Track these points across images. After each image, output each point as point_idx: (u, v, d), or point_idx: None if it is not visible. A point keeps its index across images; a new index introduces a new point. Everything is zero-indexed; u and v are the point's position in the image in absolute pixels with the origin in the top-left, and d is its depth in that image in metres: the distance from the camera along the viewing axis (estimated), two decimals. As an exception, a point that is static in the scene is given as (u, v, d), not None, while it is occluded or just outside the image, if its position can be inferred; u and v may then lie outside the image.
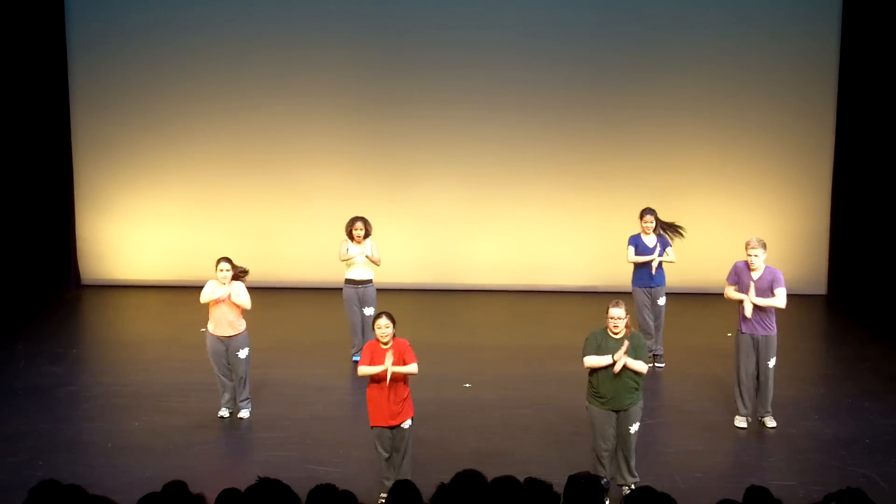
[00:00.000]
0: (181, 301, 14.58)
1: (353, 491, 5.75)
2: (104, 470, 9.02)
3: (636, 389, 8.58)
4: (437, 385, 11.34)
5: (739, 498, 5.83)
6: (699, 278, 14.98)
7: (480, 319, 14.34)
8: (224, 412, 10.38)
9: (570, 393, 10.75)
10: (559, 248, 15.48)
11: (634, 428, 8.64)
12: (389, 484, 8.38)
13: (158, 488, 5.71)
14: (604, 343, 8.57)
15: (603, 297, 14.40)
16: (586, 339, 8.67)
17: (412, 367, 8.51)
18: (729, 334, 13.00)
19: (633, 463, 8.73)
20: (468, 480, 5.62)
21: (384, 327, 8.45)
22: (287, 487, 5.59)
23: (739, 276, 10.10)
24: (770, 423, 10.21)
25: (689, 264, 14.46)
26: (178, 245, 15.44)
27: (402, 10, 15.06)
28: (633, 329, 8.73)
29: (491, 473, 5.85)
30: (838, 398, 11.19)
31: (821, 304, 15.14)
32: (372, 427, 8.61)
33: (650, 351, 11.81)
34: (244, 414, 10.41)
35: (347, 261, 11.81)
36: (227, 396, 10.39)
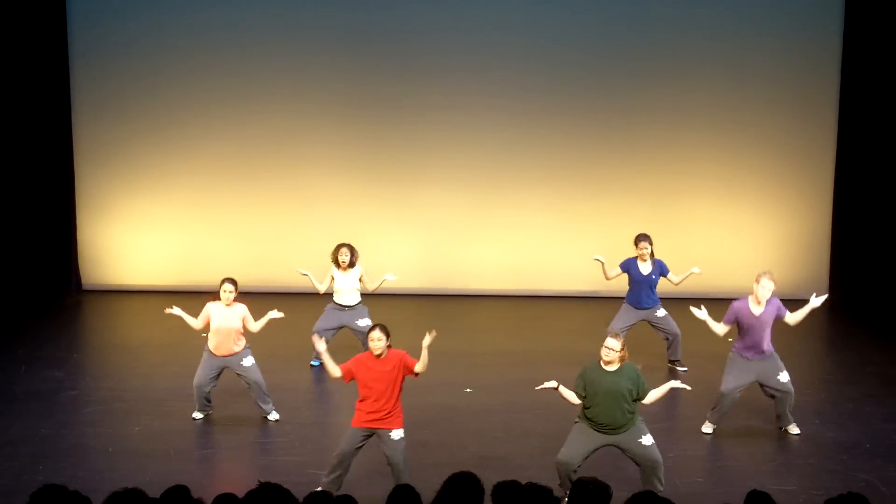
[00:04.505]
0: (182, 306, 14.49)
1: (353, 495, 5.74)
2: (105, 475, 9.01)
3: (631, 413, 8.40)
4: (437, 390, 11.34)
5: (740, 503, 5.83)
6: (700, 283, 14.89)
7: (481, 324, 14.34)
8: (198, 414, 10.37)
9: (570, 397, 10.74)
10: (560, 254, 15.49)
11: (646, 440, 8.41)
12: (326, 482, 8.39)
13: (159, 493, 5.71)
14: (594, 378, 8.38)
15: (604, 303, 14.49)
16: (578, 374, 8.52)
17: (420, 365, 8.47)
18: (730, 339, 13.01)
19: (662, 474, 8.49)
20: (461, 483, 5.63)
21: (377, 340, 8.38)
22: (287, 492, 5.59)
23: (739, 315, 9.90)
24: (794, 430, 10.18)
25: (689, 269, 14.45)
26: (179, 250, 15.45)
27: (403, 16, 15.07)
28: (627, 360, 8.52)
29: (492, 478, 5.85)
30: (839, 402, 11.20)
31: (822, 308, 14.97)
32: (350, 426, 8.60)
33: (670, 359, 12.07)
34: (273, 416, 10.41)
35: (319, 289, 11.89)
36: (200, 403, 10.38)
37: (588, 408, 8.44)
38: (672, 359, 12.09)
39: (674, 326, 12.03)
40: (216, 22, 15.06)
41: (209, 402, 10.44)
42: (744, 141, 15.23)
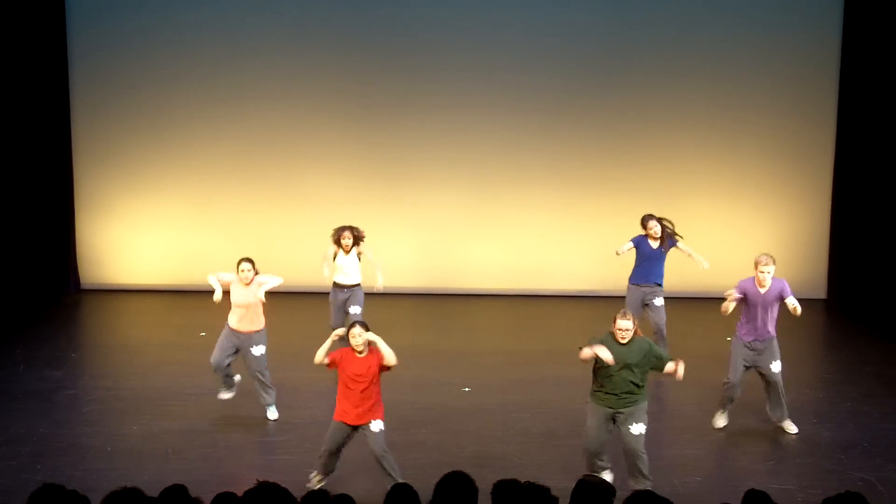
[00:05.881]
0: (180, 305, 14.60)
1: (351, 494, 5.74)
2: (103, 474, 9.02)
3: (638, 387, 8.53)
4: (436, 389, 11.36)
5: (738, 502, 5.83)
6: (698, 283, 14.96)
7: (479, 324, 14.34)
8: (272, 412, 10.45)
9: (569, 397, 10.76)
10: (558, 253, 15.49)
11: (637, 429, 8.54)
12: (315, 480, 8.56)
13: (157, 492, 5.71)
14: (610, 348, 8.47)
15: (602, 301, 14.49)
16: (592, 338, 8.58)
17: (389, 354, 8.57)
18: (728, 338, 13.00)
19: (644, 467, 8.59)
20: (454, 483, 5.64)
21: (358, 336, 8.51)
22: (286, 491, 5.59)
23: (746, 293, 10.01)
24: (791, 428, 10.21)
25: (688, 268, 14.44)
26: (178, 249, 15.45)
27: (401, 15, 15.06)
28: (641, 334, 8.70)
29: (490, 477, 5.86)
30: (837, 402, 11.20)
31: (821, 308, 15.13)
32: (334, 420, 8.69)
33: None
34: (272, 415, 10.46)
35: (329, 265, 11.87)
36: (224, 381, 10.41)
37: (601, 378, 8.53)
38: None
39: (662, 318, 11.95)
40: (215, 21, 15.04)
41: (231, 377, 10.48)
42: (743, 140, 15.23)
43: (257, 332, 10.34)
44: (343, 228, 11.81)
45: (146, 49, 15.05)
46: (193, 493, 5.72)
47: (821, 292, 15.39)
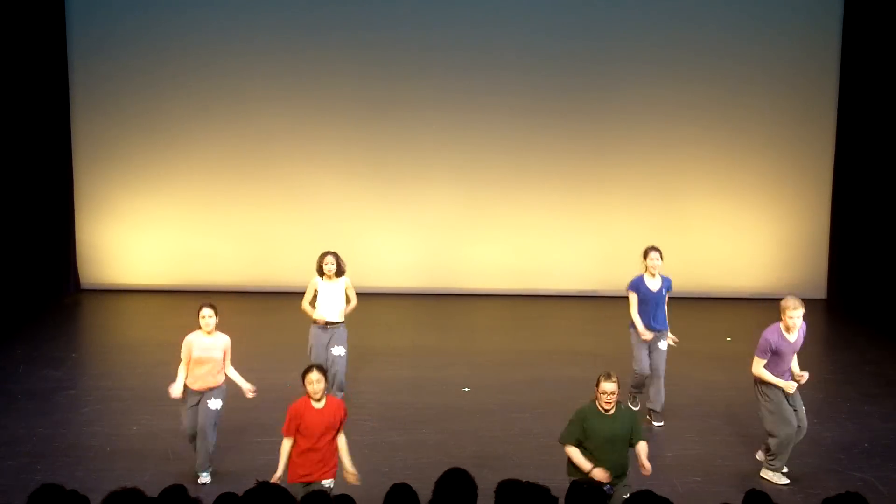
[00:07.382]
0: (180, 305, 14.54)
1: (351, 495, 5.75)
2: (103, 474, 9.02)
3: (626, 458, 7.80)
4: (436, 389, 11.36)
5: (738, 502, 5.84)
6: (699, 283, 14.98)
7: (480, 324, 14.34)
8: (205, 477, 9.04)
9: (568, 397, 10.72)
10: (559, 253, 15.48)
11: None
12: None
13: (157, 492, 5.71)
14: (592, 423, 7.67)
15: (602, 302, 14.49)
16: (570, 419, 7.81)
17: (345, 457, 7.86)
18: (728, 339, 13.02)
19: None
20: (454, 480, 5.65)
21: (315, 382, 7.62)
22: (285, 491, 5.60)
23: (778, 347, 8.87)
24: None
25: (688, 269, 14.45)
26: (178, 249, 15.45)
27: (401, 15, 15.06)
28: (622, 403, 7.96)
29: (490, 477, 5.87)
30: (837, 402, 11.20)
31: (821, 308, 15.12)
32: (289, 482, 7.69)
33: (647, 407, 10.51)
34: (203, 479, 9.02)
35: (310, 305, 10.85)
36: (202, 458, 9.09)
37: (590, 448, 7.78)
38: (651, 408, 10.51)
39: (663, 361, 10.46)
40: (214, 22, 15.05)
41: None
42: (742, 141, 15.23)
43: (217, 387, 9.08)
44: (326, 254, 10.85)
45: (146, 49, 15.05)
46: (193, 493, 5.73)
47: (821, 292, 15.38)
